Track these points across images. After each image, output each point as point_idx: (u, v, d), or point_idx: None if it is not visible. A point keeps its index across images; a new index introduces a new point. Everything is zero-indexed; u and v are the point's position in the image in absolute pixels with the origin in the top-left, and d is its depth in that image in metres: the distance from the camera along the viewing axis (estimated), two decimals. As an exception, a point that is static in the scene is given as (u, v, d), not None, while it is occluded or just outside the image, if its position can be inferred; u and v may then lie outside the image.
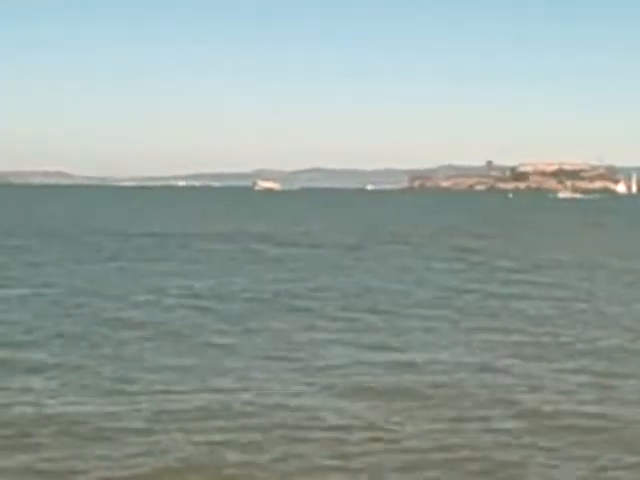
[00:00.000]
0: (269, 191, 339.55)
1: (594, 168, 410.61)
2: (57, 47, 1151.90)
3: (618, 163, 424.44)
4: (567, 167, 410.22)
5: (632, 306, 30.30)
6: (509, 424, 15.82)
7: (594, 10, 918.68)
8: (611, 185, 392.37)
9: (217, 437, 14.65)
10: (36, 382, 18.15)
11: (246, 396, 17.26)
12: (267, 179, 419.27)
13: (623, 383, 18.91)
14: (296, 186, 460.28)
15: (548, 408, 16.77)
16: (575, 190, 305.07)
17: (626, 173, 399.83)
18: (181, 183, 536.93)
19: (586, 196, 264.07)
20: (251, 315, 27.14)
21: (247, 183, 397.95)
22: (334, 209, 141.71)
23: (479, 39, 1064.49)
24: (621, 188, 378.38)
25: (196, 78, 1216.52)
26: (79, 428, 15.08)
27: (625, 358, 21.42)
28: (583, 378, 19.27)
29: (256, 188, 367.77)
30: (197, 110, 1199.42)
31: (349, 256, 49.87)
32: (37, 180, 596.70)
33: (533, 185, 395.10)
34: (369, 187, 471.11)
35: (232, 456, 13.84)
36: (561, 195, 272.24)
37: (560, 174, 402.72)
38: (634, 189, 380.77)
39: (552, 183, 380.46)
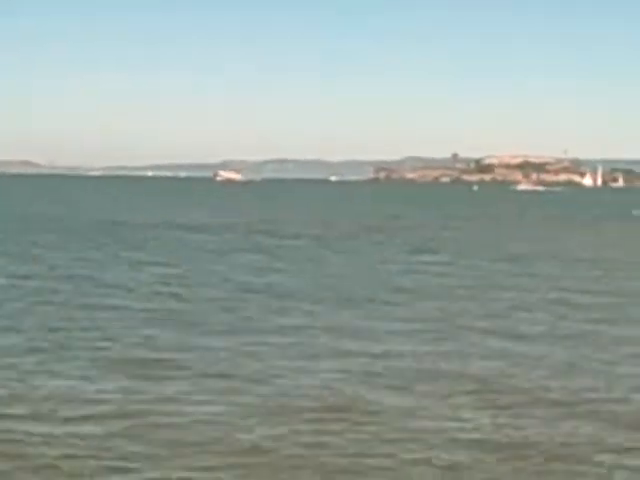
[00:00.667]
0: (230, 181, 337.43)
1: (559, 161, 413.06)
2: (27, 37, 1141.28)
3: (584, 156, 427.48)
4: (532, 160, 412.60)
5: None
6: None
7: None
8: (576, 178, 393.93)
9: None
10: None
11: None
12: (231, 170, 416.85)
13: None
14: (261, 177, 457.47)
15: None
16: (537, 183, 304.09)
17: (592, 166, 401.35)
18: (149, 173, 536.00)
19: (547, 188, 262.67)
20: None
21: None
22: (277, 199, 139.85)
23: (446, 31, 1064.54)
24: (587, 181, 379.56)
25: (164, 70, 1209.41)
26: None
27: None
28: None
29: (217, 178, 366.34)
30: (167, 100, 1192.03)
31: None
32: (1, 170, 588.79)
33: (498, 177, 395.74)
34: (333, 178, 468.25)
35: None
36: (520, 187, 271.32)
37: (525, 167, 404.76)
38: (599, 182, 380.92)
39: (517, 175, 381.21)
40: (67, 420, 14.59)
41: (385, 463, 12.93)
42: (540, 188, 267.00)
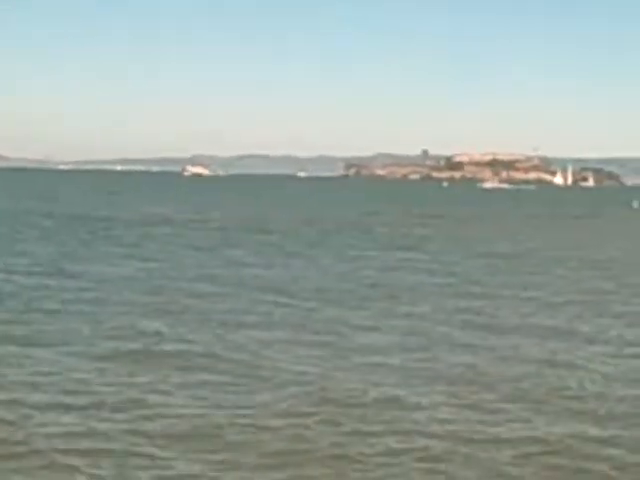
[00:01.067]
0: (198, 176, 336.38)
1: (529, 159, 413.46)
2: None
3: (553, 154, 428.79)
4: (502, 157, 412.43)
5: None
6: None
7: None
8: (545, 176, 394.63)
9: None
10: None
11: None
12: (199, 165, 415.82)
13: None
14: (231, 171, 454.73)
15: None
16: (504, 181, 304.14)
17: (561, 164, 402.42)
18: (119, 167, 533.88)
19: (514, 186, 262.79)
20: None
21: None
22: (239, 196, 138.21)
23: (417, 28, 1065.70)
24: (558, 180, 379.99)
25: (134, 63, 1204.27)
26: None
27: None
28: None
29: (185, 173, 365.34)
30: (139, 95, 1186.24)
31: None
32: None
33: (468, 175, 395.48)
34: (301, 174, 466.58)
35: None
36: (487, 185, 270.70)
37: (495, 164, 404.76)
38: (570, 180, 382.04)
39: (487, 173, 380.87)
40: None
41: (364, 453, 13.14)
42: (506, 186, 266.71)
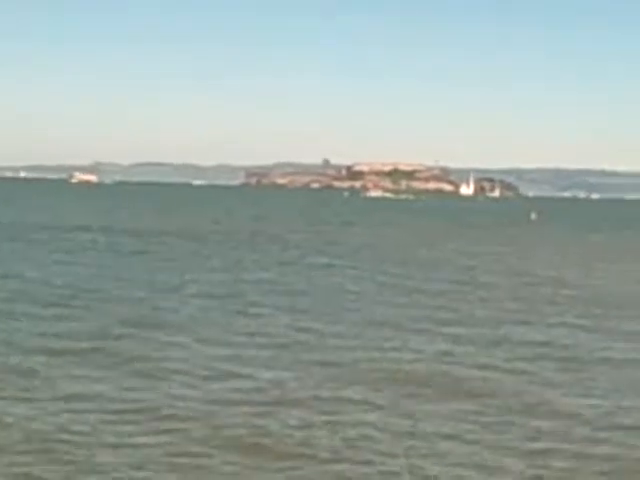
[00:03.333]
0: (87, 183, 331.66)
1: (429, 169, 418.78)
2: None
3: (456, 165, 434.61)
4: (403, 167, 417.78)
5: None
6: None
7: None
8: (445, 185, 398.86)
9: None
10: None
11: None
12: (87, 172, 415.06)
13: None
14: (127, 179, 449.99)
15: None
16: (387, 190, 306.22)
17: (461, 175, 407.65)
18: (22, 174, 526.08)
19: (395, 196, 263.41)
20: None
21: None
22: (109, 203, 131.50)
23: (316, 33, 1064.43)
24: (465, 190, 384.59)
25: (39, 70, 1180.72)
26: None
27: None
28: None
29: (72, 180, 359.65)
30: (42, 101, 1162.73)
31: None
32: None
33: (369, 184, 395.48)
34: (197, 182, 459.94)
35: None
36: (371, 194, 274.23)
37: (395, 174, 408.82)
38: (471, 190, 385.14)
39: (387, 183, 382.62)
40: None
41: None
42: (388, 195, 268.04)
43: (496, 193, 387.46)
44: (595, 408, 16.66)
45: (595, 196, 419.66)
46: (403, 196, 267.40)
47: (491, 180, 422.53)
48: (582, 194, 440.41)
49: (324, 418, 15.27)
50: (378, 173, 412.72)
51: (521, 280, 38.49)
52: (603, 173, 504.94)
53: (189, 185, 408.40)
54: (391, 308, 28.37)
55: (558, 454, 13.95)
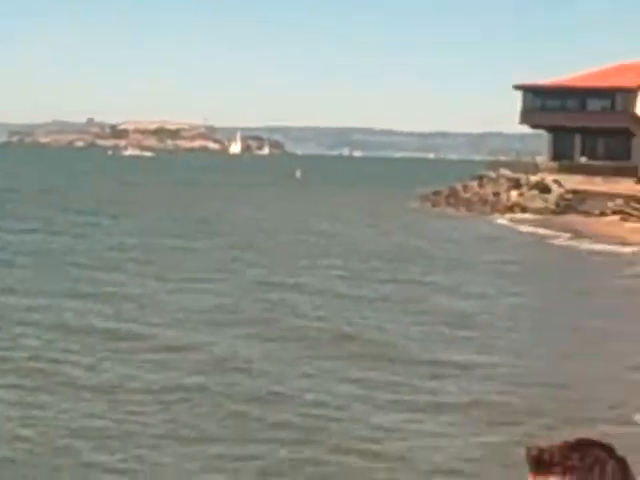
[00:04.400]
0: None
1: (194, 127, 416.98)
2: None
3: (223, 124, 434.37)
4: (169, 126, 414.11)
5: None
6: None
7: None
8: (210, 144, 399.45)
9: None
10: None
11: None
12: None
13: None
14: None
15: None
16: (147, 149, 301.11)
17: (227, 133, 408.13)
18: None
19: (152, 154, 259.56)
20: None
21: None
22: None
23: None
24: (234, 148, 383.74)
25: None
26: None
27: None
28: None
29: None
30: None
31: None
32: None
33: (134, 143, 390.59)
34: None
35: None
36: (127, 153, 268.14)
37: (161, 133, 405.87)
38: (238, 148, 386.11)
39: (152, 141, 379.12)
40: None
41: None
42: (148, 154, 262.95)
43: (265, 151, 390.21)
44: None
45: (358, 154, 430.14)
46: (165, 155, 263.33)
47: (259, 138, 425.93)
48: (346, 152, 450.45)
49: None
50: (143, 132, 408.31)
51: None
52: (370, 132, 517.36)
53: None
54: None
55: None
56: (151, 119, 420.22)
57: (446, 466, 13.33)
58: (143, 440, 13.78)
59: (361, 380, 17.35)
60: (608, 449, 2.48)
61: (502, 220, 54.98)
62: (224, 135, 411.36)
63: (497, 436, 14.37)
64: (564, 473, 2.43)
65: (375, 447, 13.82)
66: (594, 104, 71.79)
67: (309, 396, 16.24)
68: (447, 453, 13.76)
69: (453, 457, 13.63)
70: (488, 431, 14.69)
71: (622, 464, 2.47)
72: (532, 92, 74.46)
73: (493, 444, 13.96)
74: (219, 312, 23.67)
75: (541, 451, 2.45)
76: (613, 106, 71.18)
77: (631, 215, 48.77)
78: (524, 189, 61.29)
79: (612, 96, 70.82)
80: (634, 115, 69.16)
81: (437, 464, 13.36)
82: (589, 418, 15.44)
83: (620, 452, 2.45)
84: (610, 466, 2.45)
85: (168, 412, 15.14)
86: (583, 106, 72.12)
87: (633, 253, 37.68)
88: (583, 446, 2.47)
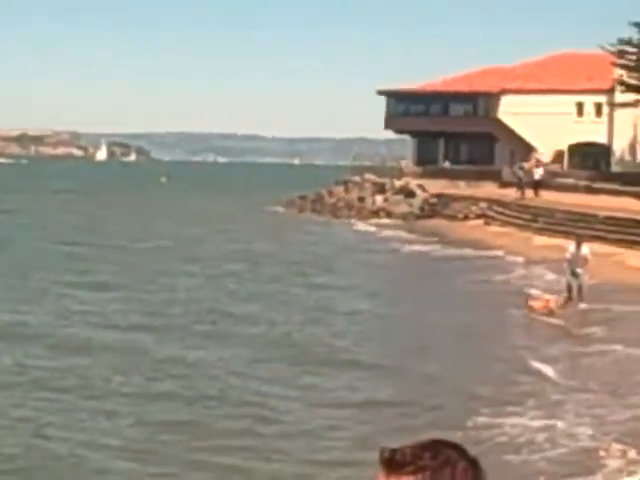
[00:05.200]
0: None
1: (58, 134, 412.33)
2: None
3: (87, 130, 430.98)
4: (31, 132, 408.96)
5: None
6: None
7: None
8: (74, 151, 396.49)
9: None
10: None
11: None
12: None
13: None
14: None
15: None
16: (5, 156, 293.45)
17: (91, 139, 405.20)
18: None
19: (14, 161, 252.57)
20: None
21: None
22: None
23: None
24: (101, 155, 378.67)
25: None
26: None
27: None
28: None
29: None
30: None
31: None
32: None
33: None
34: None
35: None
36: None
37: (23, 139, 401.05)
38: (104, 155, 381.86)
39: (15, 148, 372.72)
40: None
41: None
42: (10, 160, 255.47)
43: (132, 157, 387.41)
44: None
45: (222, 160, 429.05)
46: (24, 161, 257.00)
47: (124, 145, 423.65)
48: (211, 158, 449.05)
49: None
50: (5, 139, 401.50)
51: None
52: (235, 137, 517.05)
53: None
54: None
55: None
56: (13, 126, 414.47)
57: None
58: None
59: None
60: (459, 449, 2.51)
61: (367, 225, 54.67)
62: (88, 142, 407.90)
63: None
64: (416, 472, 2.46)
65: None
66: (457, 109, 72.34)
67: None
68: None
69: None
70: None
71: (473, 464, 2.51)
72: (395, 97, 74.66)
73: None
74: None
75: (393, 452, 2.49)
76: (475, 111, 71.85)
77: (494, 219, 48.91)
78: (389, 194, 61.17)
79: (474, 100, 71.48)
80: (496, 119, 69.93)
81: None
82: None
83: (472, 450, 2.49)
84: (461, 466, 2.48)
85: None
86: (446, 111, 72.61)
87: (494, 257, 37.64)
88: (435, 446, 2.50)
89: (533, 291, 27.63)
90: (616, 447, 13.63)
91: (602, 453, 13.41)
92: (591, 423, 14.73)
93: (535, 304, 25.29)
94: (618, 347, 20.24)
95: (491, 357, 19.90)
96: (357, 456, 12.91)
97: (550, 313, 24.56)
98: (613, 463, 13.05)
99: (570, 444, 13.89)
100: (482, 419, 14.88)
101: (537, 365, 18.82)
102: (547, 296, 26.04)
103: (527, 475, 12.62)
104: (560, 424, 14.73)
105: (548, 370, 18.44)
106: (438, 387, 17.19)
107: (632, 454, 13.36)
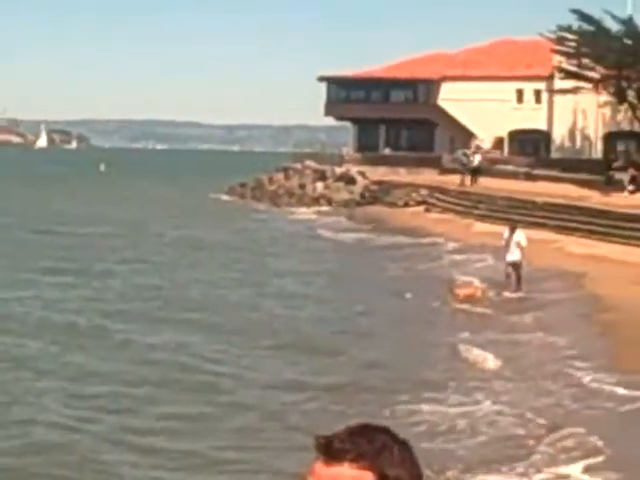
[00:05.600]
0: None
1: None
2: None
3: (27, 117, 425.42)
4: None
5: None
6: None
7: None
8: (13, 138, 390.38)
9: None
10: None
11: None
12: None
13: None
14: None
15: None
16: None
17: (30, 126, 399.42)
18: None
19: None
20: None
21: None
22: None
23: None
24: (42, 142, 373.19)
25: None
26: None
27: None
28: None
29: None
30: None
31: None
32: None
33: None
34: None
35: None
36: None
37: None
38: (44, 142, 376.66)
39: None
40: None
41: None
42: None
43: (73, 145, 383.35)
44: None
45: (161, 147, 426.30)
46: None
47: (65, 132, 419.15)
48: (151, 145, 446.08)
49: None
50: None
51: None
52: (174, 124, 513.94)
53: None
54: None
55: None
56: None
57: None
58: None
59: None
60: (390, 433, 2.52)
61: (307, 213, 54.35)
62: (27, 129, 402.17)
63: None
64: (357, 459, 2.44)
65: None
66: (397, 95, 72.12)
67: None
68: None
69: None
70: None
71: (405, 447, 2.52)
72: (336, 84, 74.20)
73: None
74: None
75: (330, 439, 2.46)
76: (415, 97, 71.66)
77: (434, 206, 48.76)
78: (330, 181, 60.84)
79: (414, 87, 71.27)
80: (436, 106, 69.82)
81: None
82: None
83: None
84: (396, 449, 2.49)
85: None
86: (387, 97, 72.34)
87: (433, 244, 37.45)
88: (368, 431, 2.49)
89: (462, 278, 27.37)
90: (535, 433, 13.55)
91: (521, 440, 13.32)
92: (510, 412, 14.66)
93: (461, 292, 24.85)
94: (540, 334, 20.22)
95: (407, 345, 19.93)
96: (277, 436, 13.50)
97: (477, 301, 24.14)
98: (532, 450, 12.97)
99: (489, 431, 13.85)
100: (401, 406, 14.87)
101: (459, 352, 18.74)
102: (476, 283, 25.73)
103: (447, 461, 12.43)
104: (479, 411, 14.76)
105: (469, 356, 18.42)
106: (347, 369, 17.78)
107: (548, 440, 13.27)
